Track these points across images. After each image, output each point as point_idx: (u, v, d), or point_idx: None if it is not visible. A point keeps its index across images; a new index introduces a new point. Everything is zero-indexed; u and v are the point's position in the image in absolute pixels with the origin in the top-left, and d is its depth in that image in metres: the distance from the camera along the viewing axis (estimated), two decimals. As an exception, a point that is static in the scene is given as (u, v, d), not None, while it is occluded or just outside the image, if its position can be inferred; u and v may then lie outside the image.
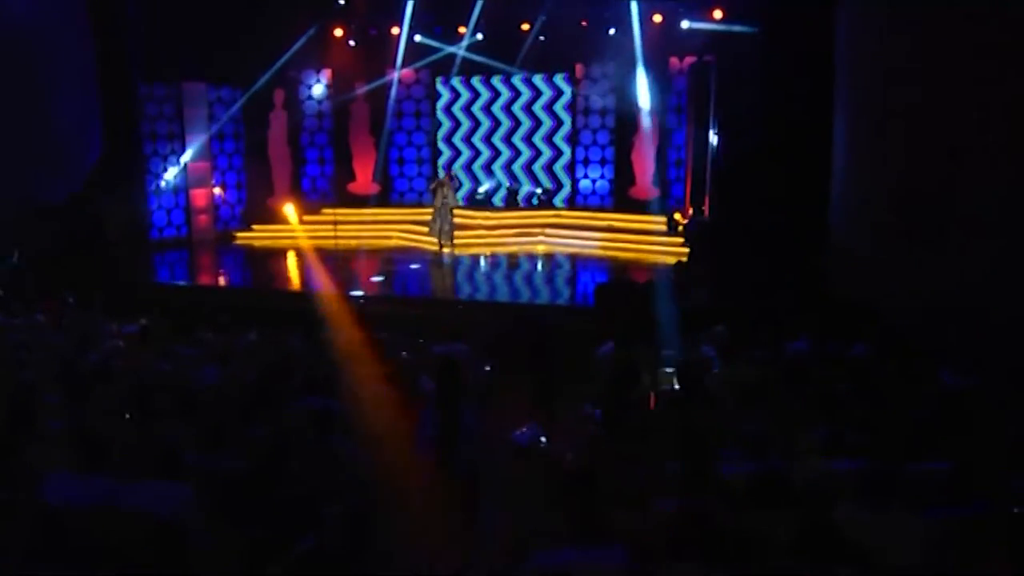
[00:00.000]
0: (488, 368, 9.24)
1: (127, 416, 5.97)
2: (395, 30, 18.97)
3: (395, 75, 19.00)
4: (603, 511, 4.49)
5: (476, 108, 20.09)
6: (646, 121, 17.31)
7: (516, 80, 19.63)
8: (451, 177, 17.08)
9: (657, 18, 17.44)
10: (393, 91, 19.20)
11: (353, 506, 5.25)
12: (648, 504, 4.70)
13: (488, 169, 20.05)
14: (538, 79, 19.49)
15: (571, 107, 19.37)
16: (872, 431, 5.85)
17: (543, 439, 6.23)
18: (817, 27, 12.27)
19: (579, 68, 19.12)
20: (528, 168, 19.84)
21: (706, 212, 15.09)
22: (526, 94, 19.71)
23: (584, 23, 18.27)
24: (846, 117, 11.87)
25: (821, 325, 9.49)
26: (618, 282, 12.91)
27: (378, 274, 15.07)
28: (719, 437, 6.05)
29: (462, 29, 18.80)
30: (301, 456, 5.51)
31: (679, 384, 7.59)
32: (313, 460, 5.55)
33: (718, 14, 16.44)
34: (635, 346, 8.76)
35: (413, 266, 14.65)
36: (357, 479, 5.51)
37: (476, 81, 19.85)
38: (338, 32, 19.26)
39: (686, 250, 15.55)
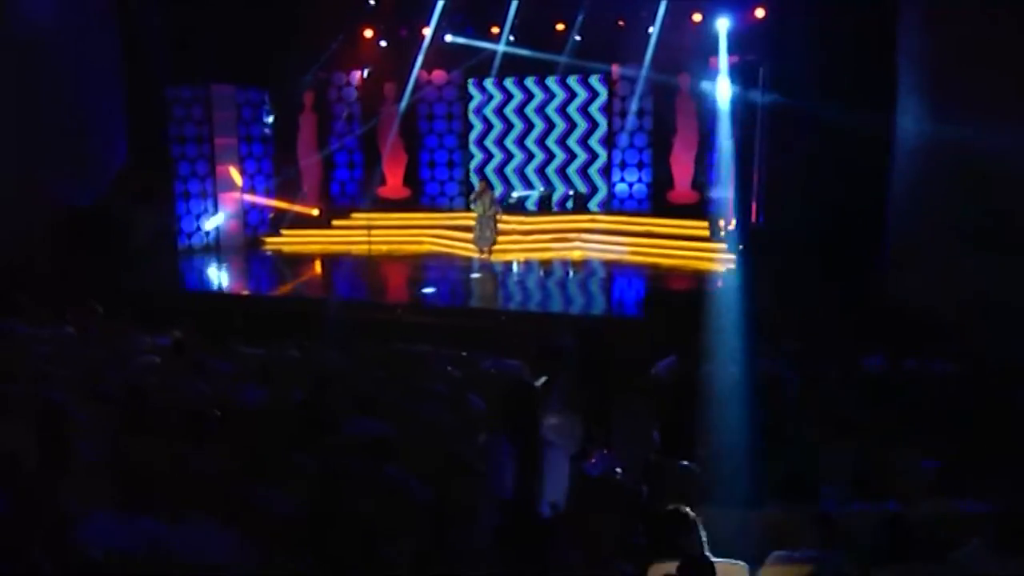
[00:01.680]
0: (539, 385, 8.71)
1: (167, 443, 5.47)
2: (426, 31, 18.58)
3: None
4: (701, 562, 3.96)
5: (509, 110, 19.56)
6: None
7: (550, 81, 19.11)
8: (487, 184, 16.52)
9: (697, 17, 16.88)
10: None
11: (416, 548, 4.75)
12: (758, 555, 4.16)
13: (521, 173, 19.52)
14: (572, 80, 18.95)
15: (607, 109, 18.78)
16: (986, 465, 5.28)
17: (618, 470, 5.67)
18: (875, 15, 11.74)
19: (615, 69, 18.52)
20: (562, 171, 19.29)
21: (753, 218, 14.49)
22: (560, 95, 19.17)
23: (621, 23, 17.73)
24: (915, 111, 11.25)
25: (889, 338, 8.94)
26: (673, 291, 12.32)
27: (426, 285, 14.52)
28: (814, 469, 5.53)
29: (495, 29, 18.42)
30: (357, 490, 5.00)
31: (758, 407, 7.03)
32: (371, 495, 5.04)
33: (760, 12, 15.95)
34: (698, 362, 8.22)
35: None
36: (420, 517, 5.00)
37: (509, 83, 19.32)
38: (368, 33, 18.80)
39: (731, 256, 15.00)
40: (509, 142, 19.61)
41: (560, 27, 17.90)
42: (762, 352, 8.55)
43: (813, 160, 12.29)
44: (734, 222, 15.50)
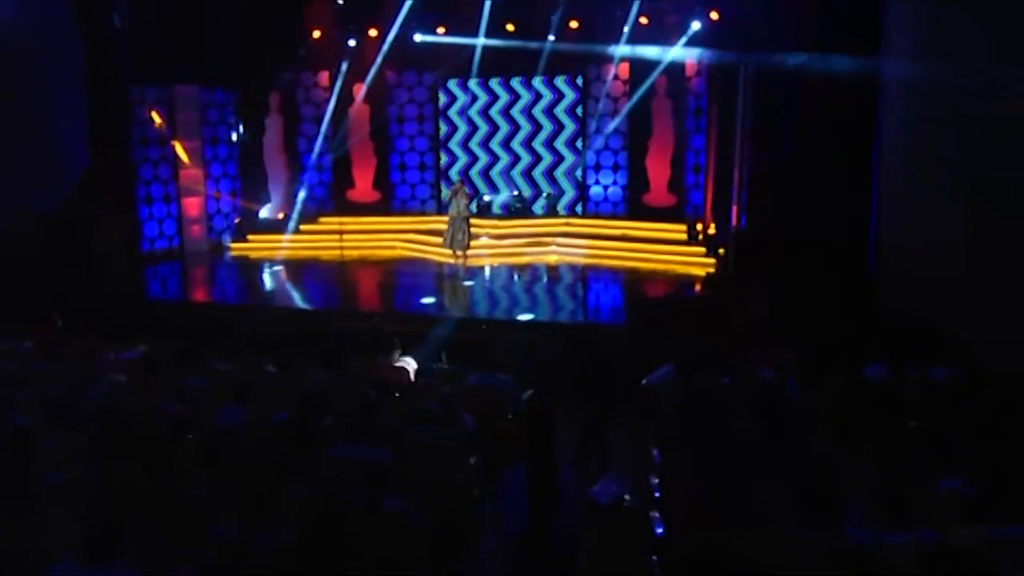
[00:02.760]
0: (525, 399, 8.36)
1: (141, 473, 5.05)
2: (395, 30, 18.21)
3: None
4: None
5: (474, 112, 19.15)
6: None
7: (515, 83, 18.75)
8: (463, 183, 16.07)
9: (671, 17, 16.65)
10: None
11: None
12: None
13: (486, 175, 19.14)
14: (538, 81, 18.57)
15: (578, 110, 18.47)
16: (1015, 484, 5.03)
17: (627, 497, 5.34)
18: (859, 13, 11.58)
19: (589, 69, 18.23)
20: (528, 174, 18.94)
21: (733, 221, 14.26)
22: (526, 97, 18.78)
23: (593, 22, 17.44)
24: (902, 110, 11.08)
25: (888, 343, 8.74)
26: (659, 298, 12.04)
27: (428, 295, 14.07)
28: (831, 486, 5.25)
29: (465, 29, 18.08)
30: (354, 523, 4.64)
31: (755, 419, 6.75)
32: (369, 527, 4.67)
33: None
34: (693, 373, 7.94)
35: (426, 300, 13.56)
36: (422, 550, 4.65)
37: (473, 84, 18.91)
38: (337, 32, 18.32)
39: (711, 261, 14.79)
40: (475, 144, 19.22)
41: (510, 28, 17.52)
42: (760, 361, 8.31)
43: (796, 158, 12.09)
44: (713, 225, 15.29)
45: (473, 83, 18.84)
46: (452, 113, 19.27)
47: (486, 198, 18.52)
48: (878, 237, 11.57)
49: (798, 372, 7.99)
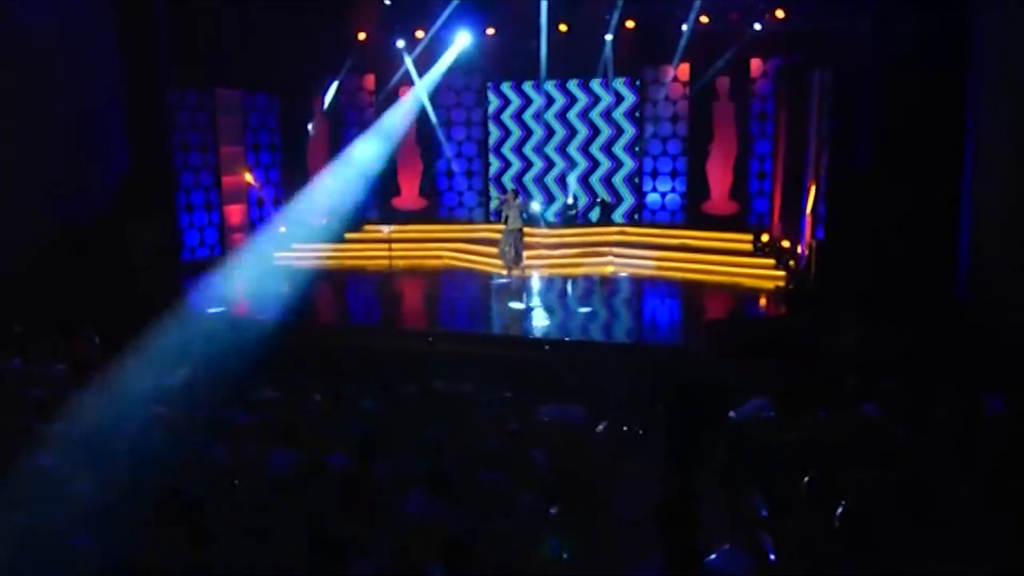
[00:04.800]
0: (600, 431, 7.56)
1: (180, 541, 4.34)
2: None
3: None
4: None
5: (528, 116, 18.42)
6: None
7: (572, 85, 17.98)
8: (516, 193, 15.28)
9: (733, 16, 15.78)
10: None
11: None
12: None
13: (540, 181, 18.39)
14: (595, 84, 17.79)
15: (637, 114, 17.64)
16: None
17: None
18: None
19: (647, 71, 17.39)
20: (584, 180, 18.15)
21: (806, 232, 13.36)
22: (583, 100, 18.01)
23: (653, 22, 16.63)
24: (995, 111, 10.15)
25: (1001, 373, 7.84)
26: (743, 318, 11.15)
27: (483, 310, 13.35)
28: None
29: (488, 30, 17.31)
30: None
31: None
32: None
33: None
34: (791, 406, 7.12)
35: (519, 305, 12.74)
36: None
37: (528, 87, 18.17)
38: (382, 34, 17.66)
39: (780, 274, 13.89)
40: (528, 149, 18.47)
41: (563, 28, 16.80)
42: (859, 394, 7.44)
43: (879, 166, 11.20)
44: (785, 237, 14.38)
45: (528, 86, 18.09)
46: (505, 117, 18.53)
47: (535, 206, 17.77)
48: (972, 254, 10.62)
49: (905, 406, 7.14)
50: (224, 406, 7.04)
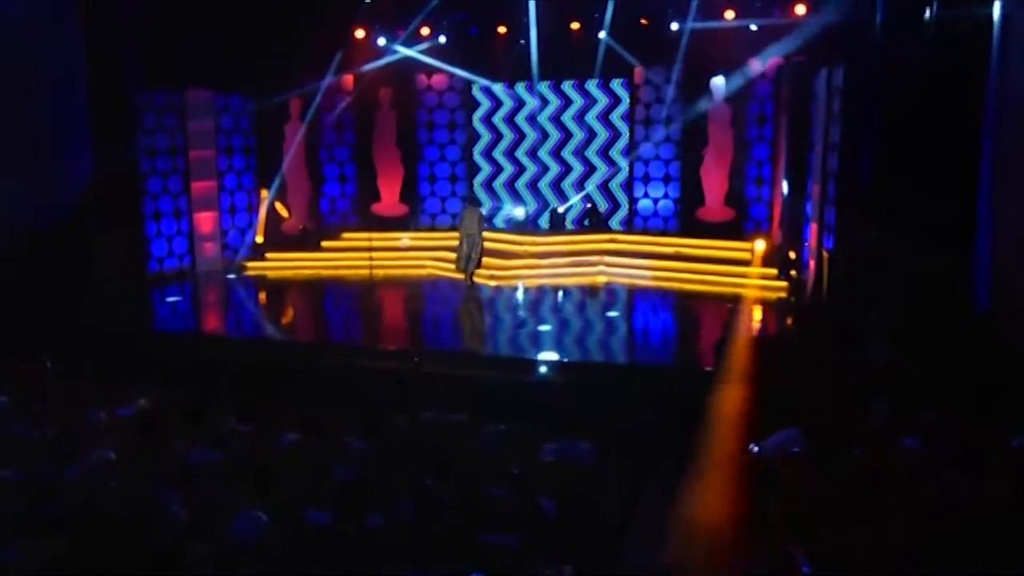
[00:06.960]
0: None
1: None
2: (425, 30, 16.81)
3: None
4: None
5: (520, 118, 17.68)
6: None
7: (567, 87, 17.26)
8: (471, 200, 14.52)
9: (729, 15, 15.10)
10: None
11: None
12: None
13: (533, 186, 17.67)
14: (592, 85, 17.09)
15: (629, 116, 16.92)
16: None
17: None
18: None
19: (638, 72, 16.67)
20: (579, 185, 17.42)
21: (810, 241, 12.70)
22: (578, 102, 17.30)
23: (645, 21, 15.96)
24: (1017, 112, 9.51)
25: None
26: (756, 337, 10.40)
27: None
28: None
29: (502, 29, 16.70)
30: None
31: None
32: None
33: (801, 9, 14.23)
34: (817, 441, 6.38)
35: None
36: None
37: (520, 88, 17.44)
38: (360, 33, 16.86)
39: (782, 284, 13.20)
40: (521, 153, 17.73)
41: (576, 26, 16.22)
42: (896, 425, 6.72)
43: (890, 170, 10.58)
44: (790, 246, 13.69)
45: (520, 87, 17.38)
46: (497, 120, 17.81)
47: (519, 212, 17.07)
48: (994, 260, 9.96)
49: (943, 438, 6.44)
50: (186, 444, 6.22)
